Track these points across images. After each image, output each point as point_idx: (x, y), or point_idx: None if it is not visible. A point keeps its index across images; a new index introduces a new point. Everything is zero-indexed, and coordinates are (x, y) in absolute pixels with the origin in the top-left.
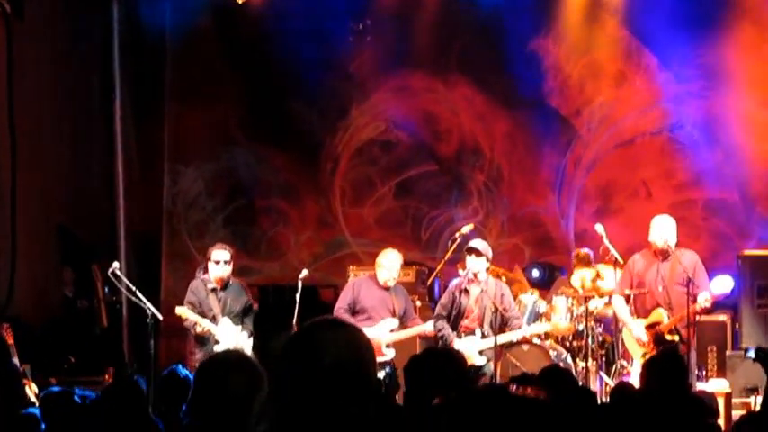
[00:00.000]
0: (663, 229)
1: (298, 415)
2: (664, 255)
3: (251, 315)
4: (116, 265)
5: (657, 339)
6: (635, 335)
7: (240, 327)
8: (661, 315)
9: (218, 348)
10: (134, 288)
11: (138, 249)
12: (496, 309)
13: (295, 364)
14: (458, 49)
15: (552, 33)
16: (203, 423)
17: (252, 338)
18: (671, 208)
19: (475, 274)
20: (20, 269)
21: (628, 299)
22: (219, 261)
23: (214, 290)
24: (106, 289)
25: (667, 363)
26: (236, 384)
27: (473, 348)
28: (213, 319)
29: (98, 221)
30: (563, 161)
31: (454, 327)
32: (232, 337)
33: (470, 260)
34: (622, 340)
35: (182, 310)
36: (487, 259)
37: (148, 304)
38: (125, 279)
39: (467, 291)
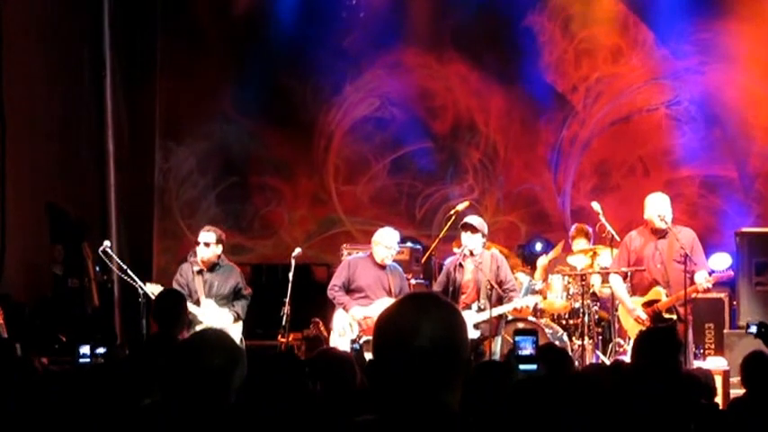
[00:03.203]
0: (660, 207)
1: (392, 400)
2: (661, 232)
3: (241, 299)
4: (107, 243)
5: (655, 317)
6: (634, 313)
7: (227, 309)
8: (659, 293)
9: (199, 330)
10: (125, 266)
11: (130, 227)
12: (492, 286)
13: (388, 345)
14: (452, 25)
15: (548, 8)
16: (182, 399)
17: (240, 323)
18: (668, 185)
19: (471, 251)
20: (9, 247)
21: (625, 277)
22: (200, 243)
23: (200, 272)
24: (97, 268)
25: (657, 339)
26: (212, 361)
27: (468, 322)
28: (197, 302)
29: (88, 199)
30: (559, 138)
31: (454, 303)
32: (215, 319)
33: (466, 237)
34: (618, 318)
35: (151, 287)
36: (483, 235)
37: (140, 283)
38: (116, 257)
39: (462, 266)
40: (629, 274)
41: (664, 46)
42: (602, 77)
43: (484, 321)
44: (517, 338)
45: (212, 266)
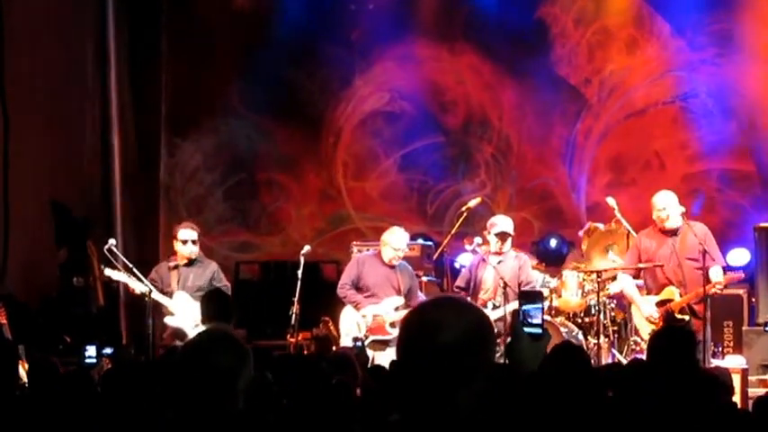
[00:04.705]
0: (672, 205)
1: (416, 398)
2: (671, 230)
3: None
4: (112, 241)
5: (668, 318)
6: (644, 312)
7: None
8: (672, 293)
9: (169, 320)
10: (131, 265)
11: (135, 225)
12: (506, 284)
13: (412, 345)
14: (463, 17)
15: (560, 0)
16: (189, 401)
17: None
18: (685, 179)
19: (499, 251)
20: (13, 246)
21: (636, 275)
22: (180, 240)
23: (176, 266)
24: (102, 266)
25: (672, 338)
26: (220, 362)
27: None
28: (170, 295)
29: (93, 196)
30: (573, 132)
31: (474, 300)
32: (188, 311)
33: (501, 244)
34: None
35: (108, 272)
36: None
37: (146, 282)
38: (121, 256)
39: (484, 261)
40: (641, 272)
41: (679, 37)
42: (616, 70)
43: (498, 319)
44: (522, 302)
45: (190, 261)
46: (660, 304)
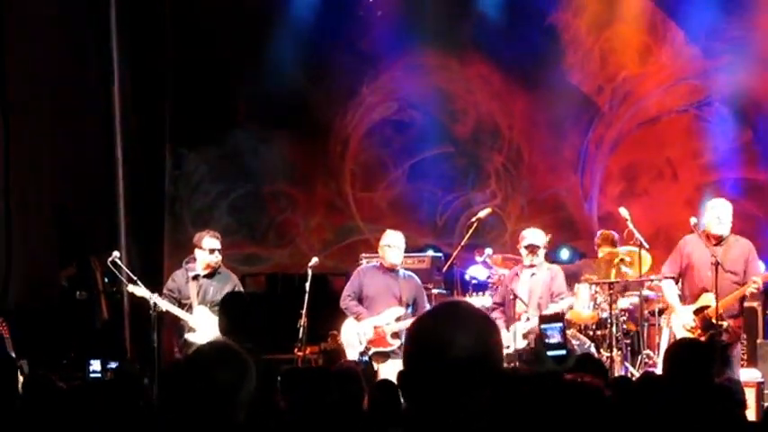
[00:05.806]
0: (720, 212)
1: (425, 409)
2: (717, 239)
3: None
4: (116, 253)
5: (705, 325)
6: (682, 320)
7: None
8: (710, 299)
9: (191, 337)
10: (135, 278)
11: (140, 237)
12: (515, 296)
13: (421, 357)
14: (472, 24)
15: (572, 6)
16: (190, 414)
17: None
18: (698, 189)
19: (531, 264)
20: (16, 260)
21: (676, 281)
22: (206, 249)
23: (195, 277)
24: (106, 279)
25: (686, 351)
26: (222, 375)
27: (517, 333)
28: (189, 308)
29: (97, 208)
30: (585, 141)
31: (511, 314)
32: (209, 327)
33: (531, 258)
34: (649, 329)
35: (132, 288)
36: (545, 247)
37: (150, 295)
38: (125, 268)
39: (517, 275)
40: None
41: (694, 44)
42: (628, 77)
43: (530, 332)
44: (543, 326)
45: (212, 273)
46: (698, 312)
